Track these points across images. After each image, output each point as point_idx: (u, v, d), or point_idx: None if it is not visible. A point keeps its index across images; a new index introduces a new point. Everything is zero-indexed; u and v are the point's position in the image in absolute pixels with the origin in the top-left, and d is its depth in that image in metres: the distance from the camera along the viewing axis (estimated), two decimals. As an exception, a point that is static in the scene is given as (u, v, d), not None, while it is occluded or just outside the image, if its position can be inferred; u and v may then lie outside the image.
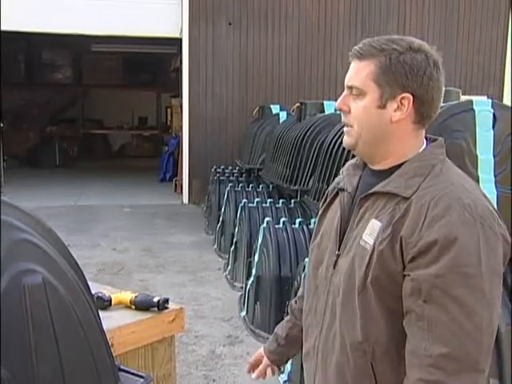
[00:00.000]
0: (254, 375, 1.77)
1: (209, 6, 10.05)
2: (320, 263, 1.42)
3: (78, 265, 1.29)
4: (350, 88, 1.32)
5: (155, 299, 2.07)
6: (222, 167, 8.77)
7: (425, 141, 1.34)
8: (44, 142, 16.30)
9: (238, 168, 8.67)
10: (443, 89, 1.32)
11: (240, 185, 7.15)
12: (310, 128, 5.49)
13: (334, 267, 1.36)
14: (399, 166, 1.30)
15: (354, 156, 1.47)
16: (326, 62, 10.32)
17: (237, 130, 9.99)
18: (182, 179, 10.57)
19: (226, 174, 8.22)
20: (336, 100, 1.38)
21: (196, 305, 4.98)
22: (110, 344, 1.35)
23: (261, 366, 1.76)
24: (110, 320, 1.93)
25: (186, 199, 10.26)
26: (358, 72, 1.30)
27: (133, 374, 1.42)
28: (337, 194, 1.44)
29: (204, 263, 6.30)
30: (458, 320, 1.15)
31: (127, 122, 18.34)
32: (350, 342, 1.31)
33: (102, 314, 1.34)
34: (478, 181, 2.80)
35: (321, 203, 1.53)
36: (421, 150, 1.32)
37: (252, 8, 10.19)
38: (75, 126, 17.84)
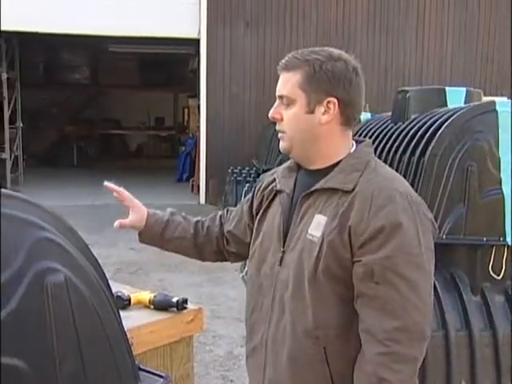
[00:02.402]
0: (116, 223, 1.75)
1: (226, 6, 10.06)
2: (263, 262, 1.51)
3: (98, 264, 1.29)
4: (281, 97, 1.44)
5: (174, 299, 2.07)
6: (239, 168, 8.76)
7: (354, 142, 1.47)
8: (62, 142, 16.46)
9: (254, 169, 8.66)
10: (363, 92, 1.44)
11: (257, 185, 7.12)
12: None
13: (280, 264, 1.45)
14: (333, 165, 1.43)
15: None
16: (343, 63, 10.27)
17: (254, 131, 9.98)
18: (198, 179, 10.59)
19: (243, 175, 8.21)
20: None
21: (213, 305, 4.98)
22: (130, 343, 1.34)
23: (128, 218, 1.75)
24: (129, 319, 1.93)
25: (202, 199, 10.27)
26: (286, 82, 1.42)
27: (152, 373, 1.42)
28: (274, 196, 1.54)
29: (221, 263, 6.29)
30: (407, 296, 1.30)
31: (144, 122, 18.42)
32: (301, 330, 1.39)
33: (121, 313, 1.34)
34: (499, 183, 2.76)
35: (255, 205, 1.61)
36: (352, 149, 1.45)
37: (270, 8, 10.18)
38: (93, 126, 17.97)
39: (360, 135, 3.31)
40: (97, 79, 16.70)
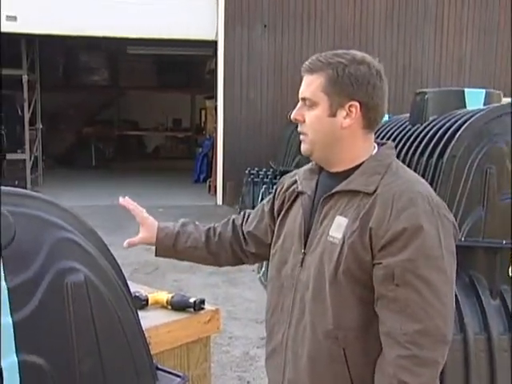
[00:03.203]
0: (125, 243, 1.79)
1: (244, 8, 10.08)
2: (284, 263, 1.52)
3: (117, 264, 1.30)
4: (304, 99, 1.45)
5: (191, 300, 2.08)
6: (256, 169, 8.77)
7: (375, 144, 1.48)
8: (80, 143, 16.60)
9: (271, 170, 8.66)
10: (386, 95, 1.45)
11: (274, 187, 7.12)
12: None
13: (301, 265, 1.46)
14: (355, 167, 1.43)
15: None
16: (361, 64, 10.23)
17: (271, 132, 9.99)
18: (215, 180, 10.62)
19: (260, 176, 8.22)
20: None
21: (230, 306, 4.99)
22: (147, 343, 1.36)
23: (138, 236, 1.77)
24: (146, 319, 1.94)
25: (219, 200, 10.30)
26: (309, 85, 1.43)
27: (170, 372, 1.43)
28: (296, 197, 1.55)
29: (237, 264, 6.31)
30: (428, 298, 1.29)
31: (162, 123, 18.52)
32: (322, 331, 1.40)
33: (139, 313, 1.35)
34: (519, 185, 2.73)
35: (277, 207, 1.63)
36: (374, 151, 1.46)
37: (287, 10, 10.18)
38: (111, 127, 18.10)
39: (377, 137, 3.30)
40: (115, 81, 16.82)
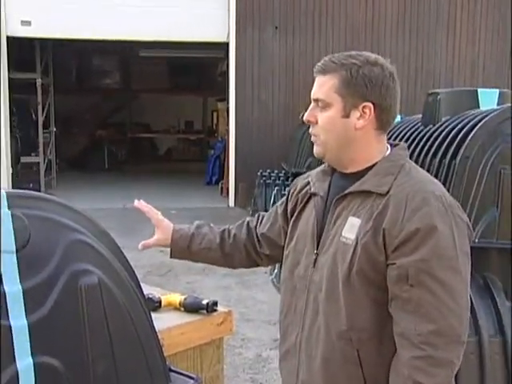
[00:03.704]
0: (140, 245, 1.84)
1: (255, 10, 10.10)
2: (297, 265, 1.52)
3: (130, 266, 1.31)
4: (316, 101, 1.44)
5: (204, 301, 2.08)
6: (268, 171, 8.77)
7: (388, 145, 1.48)
8: (93, 146, 16.69)
9: (283, 172, 8.66)
10: (399, 97, 1.45)
11: (286, 188, 7.14)
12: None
13: (314, 266, 1.46)
14: (368, 168, 1.43)
15: None
16: (373, 65, 10.20)
17: (282, 134, 9.98)
18: (228, 182, 10.63)
19: (272, 178, 8.22)
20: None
21: (242, 308, 4.99)
22: (161, 344, 1.36)
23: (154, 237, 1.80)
24: (159, 321, 1.93)
25: (232, 202, 10.31)
26: (322, 86, 1.43)
27: (183, 374, 1.43)
28: (309, 199, 1.55)
29: (250, 266, 6.31)
30: (442, 299, 1.29)
31: (174, 125, 18.57)
32: (335, 332, 1.39)
33: (152, 315, 1.36)
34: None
35: (290, 209, 1.63)
36: (387, 152, 1.46)
37: (298, 12, 10.18)
38: (123, 130, 18.19)
39: (390, 138, 3.29)
40: (127, 84, 16.92)
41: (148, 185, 12.62)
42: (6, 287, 1.00)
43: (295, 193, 1.63)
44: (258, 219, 1.78)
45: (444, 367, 1.30)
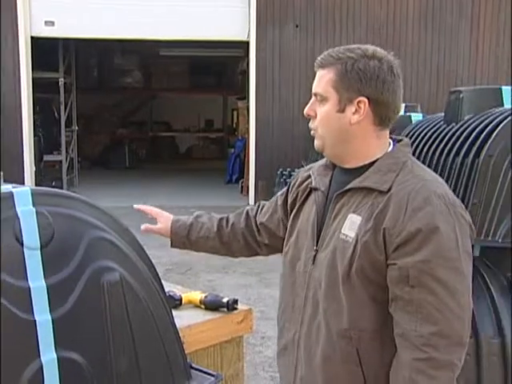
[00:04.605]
0: (143, 227, 1.88)
1: (276, 8, 10.08)
2: (297, 260, 1.50)
3: (152, 264, 1.32)
4: (315, 95, 1.44)
5: (224, 300, 2.09)
6: (288, 169, 8.76)
7: (391, 141, 1.45)
8: (114, 144, 16.84)
9: (303, 170, 8.63)
10: (400, 91, 1.41)
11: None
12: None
13: (313, 262, 1.44)
14: (369, 164, 1.40)
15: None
16: (394, 63, 10.11)
17: (302, 132, 9.94)
18: (248, 181, 10.64)
19: (292, 176, 8.20)
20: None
21: (262, 306, 5.00)
22: (181, 342, 1.37)
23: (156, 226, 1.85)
24: (180, 319, 1.95)
25: (252, 201, 10.31)
26: (320, 80, 1.42)
27: (204, 371, 1.44)
28: (309, 193, 1.53)
29: (270, 265, 6.29)
30: (444, 300, 1.27)
31: (194, 124, 18.65)
32: (336, 331, 1.38)
33: (173, 312, 1.36)
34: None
35: (290, 201, 1.61)
36: (389, 149, 1.43)
37: (319, 10, 10.14)
38: (144, 129, 18.33)
39: (411, 137, 3.26)
40: (148, 83, 17.02)
41: (168, 183, 12.69)
42: (31, 283, 1.02)
43: (296, 186, 1.61)
44: (258, 208, 1.78)
45: (445, 369, 1.28)
